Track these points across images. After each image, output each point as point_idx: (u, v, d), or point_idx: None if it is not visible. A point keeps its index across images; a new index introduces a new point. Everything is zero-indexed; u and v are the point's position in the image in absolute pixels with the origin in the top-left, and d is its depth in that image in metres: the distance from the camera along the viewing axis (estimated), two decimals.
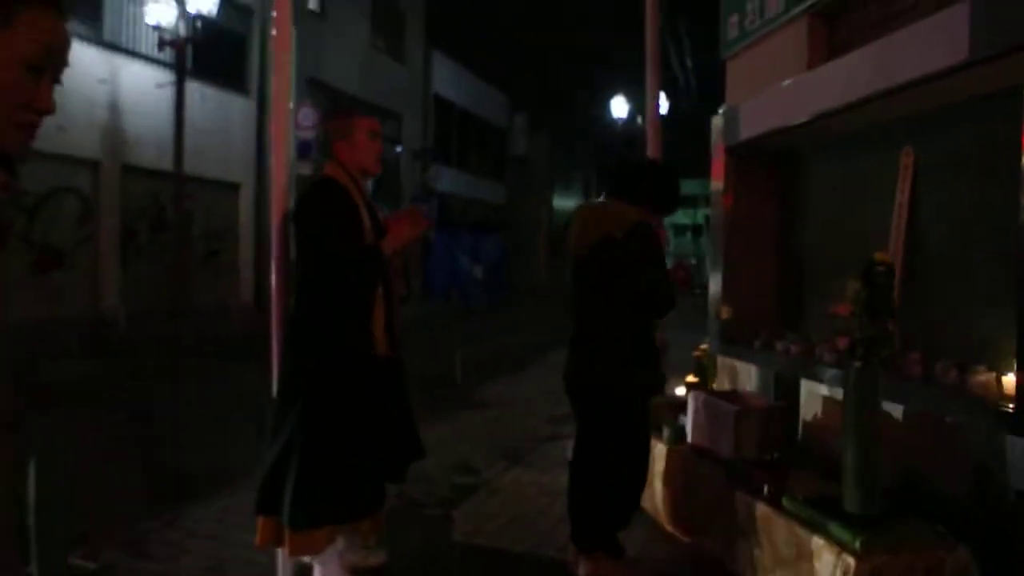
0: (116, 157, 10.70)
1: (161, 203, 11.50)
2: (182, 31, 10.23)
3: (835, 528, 1.83)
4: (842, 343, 1.84)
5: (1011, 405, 2.06)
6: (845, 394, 1.88)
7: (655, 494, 2.85)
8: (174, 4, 10.15)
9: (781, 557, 2.01)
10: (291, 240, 2.45)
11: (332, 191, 2.28)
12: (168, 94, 10.69)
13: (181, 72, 10.44)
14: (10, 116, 0.86)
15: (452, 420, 5.28)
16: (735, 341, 3.64)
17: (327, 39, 14.86)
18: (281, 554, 2.45)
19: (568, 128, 27.07)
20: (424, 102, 19.87)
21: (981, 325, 2.43)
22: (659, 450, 2.94)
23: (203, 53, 11.29)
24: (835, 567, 1.75)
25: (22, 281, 9.08)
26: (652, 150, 3.82)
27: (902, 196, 2.85)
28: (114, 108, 10.50)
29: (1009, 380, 2.17)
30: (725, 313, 3.70)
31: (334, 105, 14.46)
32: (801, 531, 1.93)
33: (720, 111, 7.86)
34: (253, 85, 13.54)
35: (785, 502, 2.07)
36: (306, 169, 13.76)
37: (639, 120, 17.38)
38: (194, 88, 11.19)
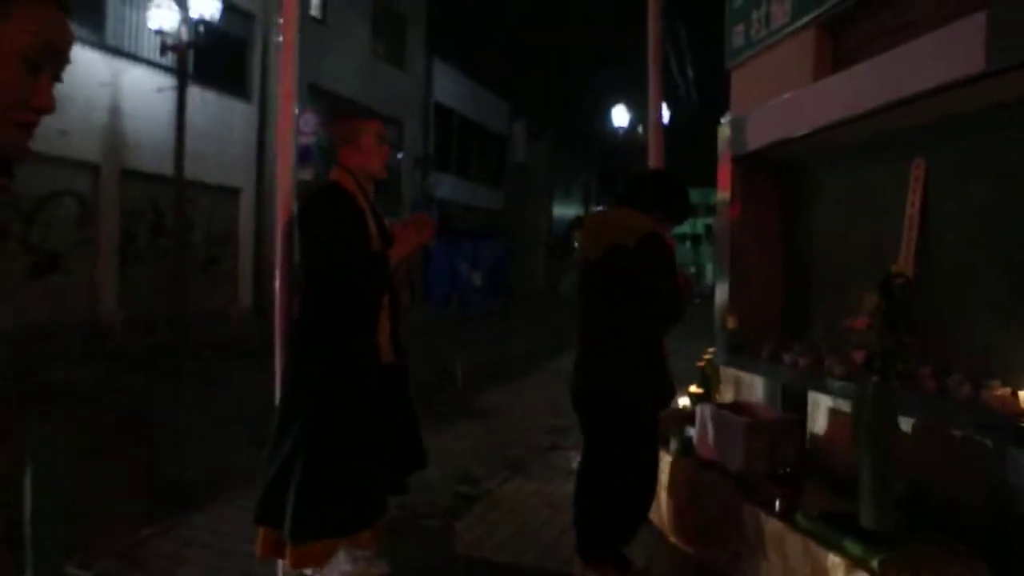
0: (116, 161, 10.68)
1: (160, 208, 11.47)
2: (184, 36, 10.23)
3: (852, 545, 1.79)
4: (859, 356, 1.81)
5: None
6: (861, 408, 1.84)
7: (661, 506, 2.80)
8: (176, 9, 10.16)
9: (794, 573, 1.97)
10: (295, 246, 2.41)
11: (338, 197, 2.25)
12: (169, 99, 10.68)
13: (183, 77, 10.43)
14: (7, 115, 0.82)
15: (452, 429, 5.23)
16: (741, 352, 3.61)
17: (328, 45, 14.88)
18: (281, 565, 2.40)
19: (568, 136, 27.15)
20: (424, 109, 19.91)
21: (994, 339, 2.40)
22: (665, 461, 2.90)
23: (205, 58, 11.30)
24: None
25: (20, 285, 9.03)
26: (654, 159, 3.81)
27: (912, 208, 2.82)
28: (115, 112, 10.48)
29: None
30: (731, 323, 3.67)
31: (335, 111, 14.47)
32: (816, 548, 1.89)
33: (723, 120, 7.86)
34: (254, 90, 13.55)
35: (799, 518, 2.03)
36: (306, 175, 13.75)
37: (640, 129, 17.42)
38: (195, 93, 11.19)
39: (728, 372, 3.91)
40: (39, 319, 8.81)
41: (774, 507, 2.16)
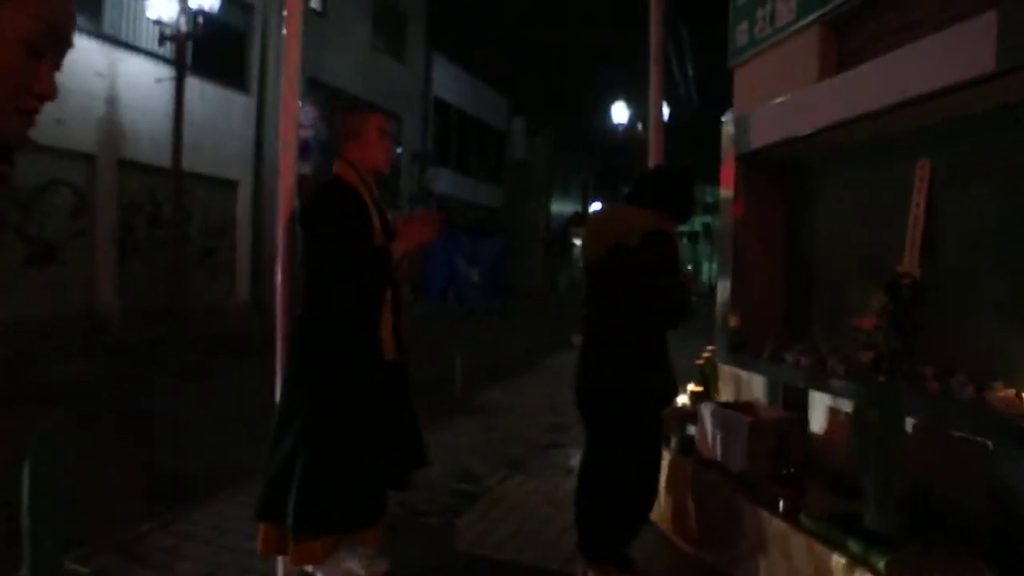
0: (113, 152, 10.62)
1: (158, 199, 11.42)
2: (183, 26, 10.16)
3: (858, 547, 1.78)
4: (866, 357, 1.80)
5: None
6: (867, 408, 1.84)
7: (662, 505, 2.80)
8: None
9: (798, 573, 1.97)
10: (297, 241, 2.39)
11: (342, 191, 2.23)
12: (167, 89, 10.61)
13: (181, 68, 10.36)
14: (9, 100, 0.79)
15: (451, 426, 5.22)
16: (743, 350, 3.60)
17: (328, 38, 14.81)
18: (281, 562, 2.39)
19: (567, 133, 27.12)
20: (424, 104, 19.84)
21: (998, 340, 2.40)
22: (666, 460, 2.89)
23: (203, 49, 11.23)
24: None
25: (16, 276, 8.98)
26: (655, 158, 3.80)
27: (917, 209, 2.81)
28: (112, 102, 10.42)
29: None
30: (733, 322, 3.66)
31: (334, 104, 14.42)
32: (821, 548, 1.89)
33: (724, 119, 7.83)
34: (253, 82, 13.48)
35: (803, 518, 2.02)
36: (305, 169, 13.69)
37: (639, 127, 17.39)
38: (193, 84, 11.12)
39: (728, 371, 3.91)
40: (36, 311, 8.77)
41: (777, 507, 2.16)
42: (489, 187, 24.59)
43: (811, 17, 3.75)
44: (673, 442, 2.93)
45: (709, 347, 4.05)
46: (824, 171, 3.50)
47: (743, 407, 2.81)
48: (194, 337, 9.78)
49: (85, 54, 9.48)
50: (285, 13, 2.41)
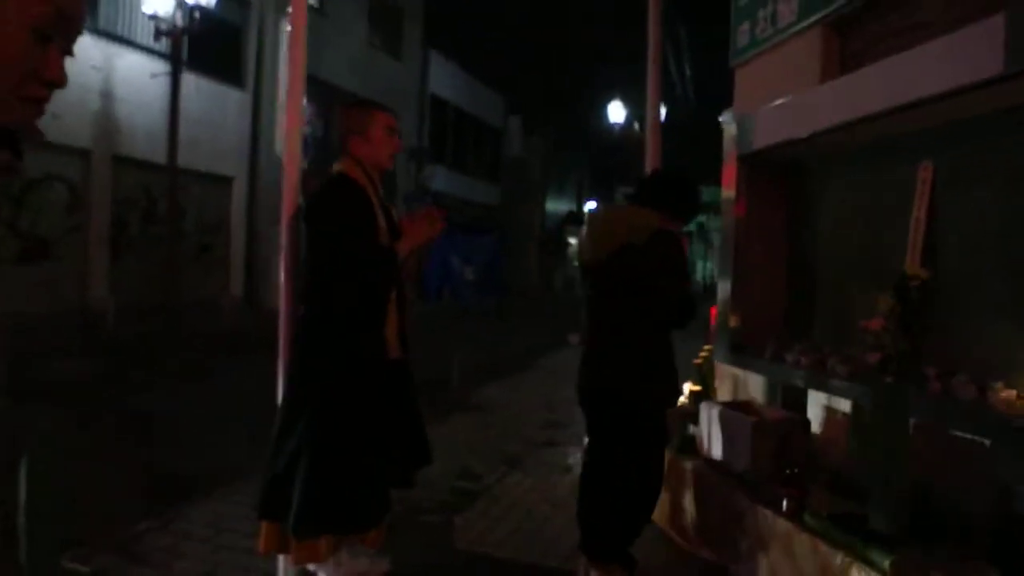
0: (108, 147, 10.54)
1: (153, 195, 11.34)
2: (179, 21, 10.08)
3: (863, 547, 1.79)
4: (873, 358, 1.80)
5: None
6: (873, 409, 1.84)
7: (663, 504, 2.80)
8: None
9: (802, 573, 1.97)
10: (301, 238, 2.37)
11: (348, 189, 2.21)
12: (162, 85, 10.54)
13: (177, 63, 10.29)
14: (16, 88, 0.77)
15: (449, 424, 5.21)
16: (743, 350, 3.61)
17: (325, 35, 14.74)
18: (282, 560, 2.38)
19: (563, 131, 27.11)
20: (420, 101, 19.79)
21: (999, 341, 2.41)
22: (667, 460, 2.89)
23: (199, 44, 11.15)
24: None
25: (8, 272, 8.90)
26: (652, 159, 3.80)
27: (919, 211, 2.82)
28: (107, 97, 10.34)
29: None
30: (733, 322, 3.67)
31: (331, 101, 14.36)
32: (825, 548, 1.89)
33: (721, 118, 7.83)
34: (249, 78, 13.41)
35: (807, 518, 2.03)
36: (300, 166, 13.63)
37: (636, 126, 17.41)
38: (189, 80, 11.05)
39: (726, 370, 3.92)
40: (28, 307, 8.69)
41: (781, 507, 2.16)
42: (485, 185, 24.57)
43: (813, 18, 3.75)
44: (674, 441, 2.93)
45: (706, 346, 4.06)
46: (826, 172, 3.51)
47: (743, 407, 2.81)
48: (189, 334, 9.72)
49: (80, 48, 9.22)
50: (289, 10, 2.39)
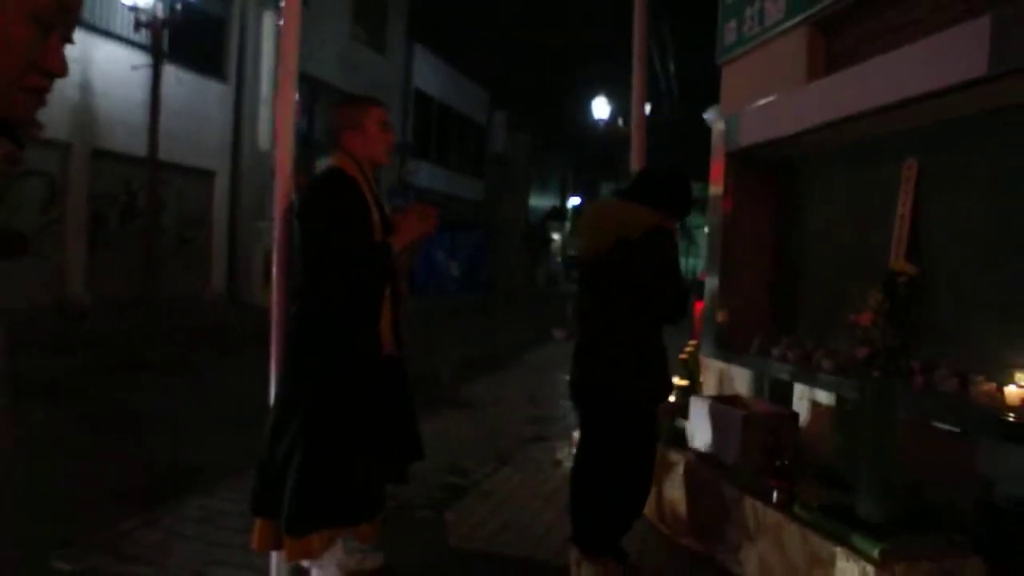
0: (87, 140, 10.35)
1: (133, 189, 11.17)
2: (159, 13, 9.92)
3: (853, 536, 1.83)
4: (862, 353, 1.85)
5: (1012, 415, 2.10)
6: (862, 403, 1.88)
7: (653, 497, 2.83)
8: None
9: (792, 563, 2.01)
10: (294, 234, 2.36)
11: (342, 184, 2.20)
12: (143, 77, 10.36)
13: (157, 55, 10.13)
14: (18, 79, 0.76)
15: (437, 420, 5.21)
16: (730, 345, 3.66)
17: (308, 29, 14.57)
18: (275, 556, 2.37)
19: (548, 127, 27.16)
20: (404, 96, 19.68)
21: (979, 336, 2.47)
22: (657, 453, 2.92)
23: (180, 36, 10.98)
24: (853, 575, 1.75)
25: None
26: (637, 152, 3.82)
27: (904, 208, 2.88)
28: (86, 89, 10.14)
29: (1010, 390, 2.21)
30: (721, 317, 3.72)
31: (314, 95, 14.23)
32: (814, 538, 1.93)
33: (706, 115, 7.86)
34: (231, 71, 13.23)
35: (797, 509, 2.07)
36: None
37: (620, 122, 17.47)
38: (170, 72, 10.88)
39: (712, 364, 3.97)
40: (5, 303, 8.52)
41: (770, 499, 2.20)
42: (469, 180, 24.51)
43: (799, 17, 3.81)
44: (664, 435, 2.97)
45: (691, 341, 4.11)
46: (813, 170, 3.56)
47: (732, 401, 2.85)
48: (170, 329, 9.60)
49: None
50: (282, 4, 2.38)
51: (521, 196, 28.27)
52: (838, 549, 1.84)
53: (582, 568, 2.47)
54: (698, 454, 2.72)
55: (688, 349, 3.99)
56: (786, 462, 2.19)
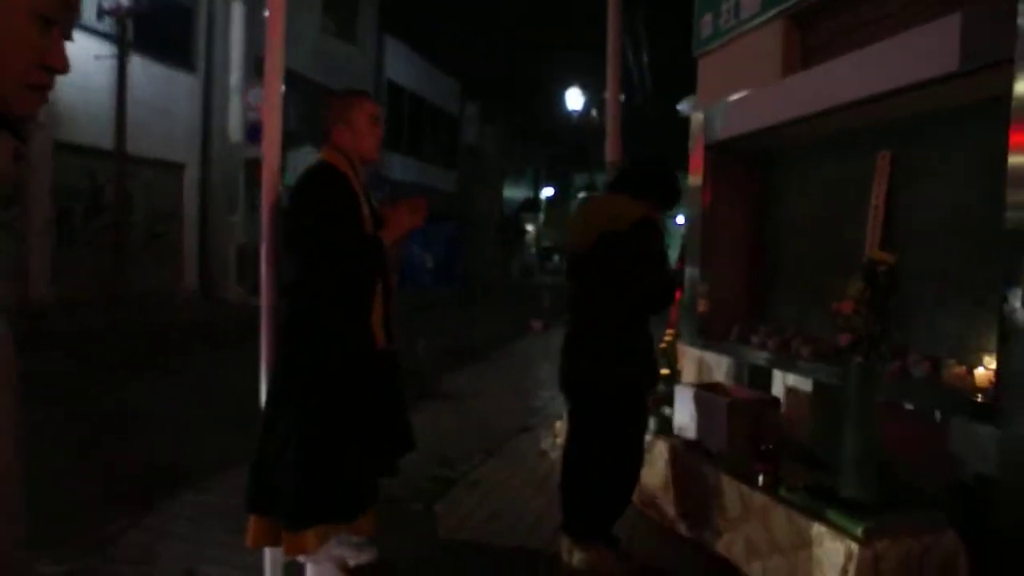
0: (48, 133, 10.03)
1: (98, 183, 10.87)
2: (124, 0, 9.65)
3: (837, 515, 1.91)
4: (844, 340, 1.92)
5: (980, 396, 2.21)
6: (844, 388, 1.96)
7: (642, 485, 2.89)
8: None
9: (778, 543, 2.09)
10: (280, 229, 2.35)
11: (331, 177, 2.19)
12: (107, 67, 10.07)
13: (123, 44, 9.85)
14: (23, 75, 0.75)
15: (421, 412, 5.20)
16: (710, 334, 3.74)
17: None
18: (269, 553, 2.37)
19: (521, 118, 27.13)
20: (376, 87, 19.45)
21: (954, 322, 2.58)
22: (646, 442, 2.98)
23: (146, 25, 10.69)
24: (838, 553, 1.83)
25: None
26: (612, 144, 3.85)
27: (877, 198, 2.97)
28: None
29: (979, 373, 2.32)
30: (701, 306, 3.79)
31: (289, 87, 13.93)
32: (800, 519, 2.01)
33: (680, 106, 7.91)
34: (199, 61, 12.93)
35: (783, 491, 2.14)
36: (254, 152, 13.25)
37: (594, 113, 17.54)
38: (136, 62, 10.60)
39: (692, 353, 4.05)
40: None
41: (757, 482, 2.28)
42: (442, 172, 24.38)
43: (774, 11, 3.88)
44: (651, 424, 3.03)
45: (669, 331, 4.19)
46: (790, 161, 3.65)
47: (715, 388, 2.93)
48: (140, 327, 9.41)
49: None
50: None
51: (495, 188, 28.24)
52: (824, 529, 1.92)
53: (574, 555, 2.52)
54: (684, 441, 2.79)
55: (667, 338, 4.06)
56: (771, 446, 2.27)
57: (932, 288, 2.67)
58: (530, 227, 33.67)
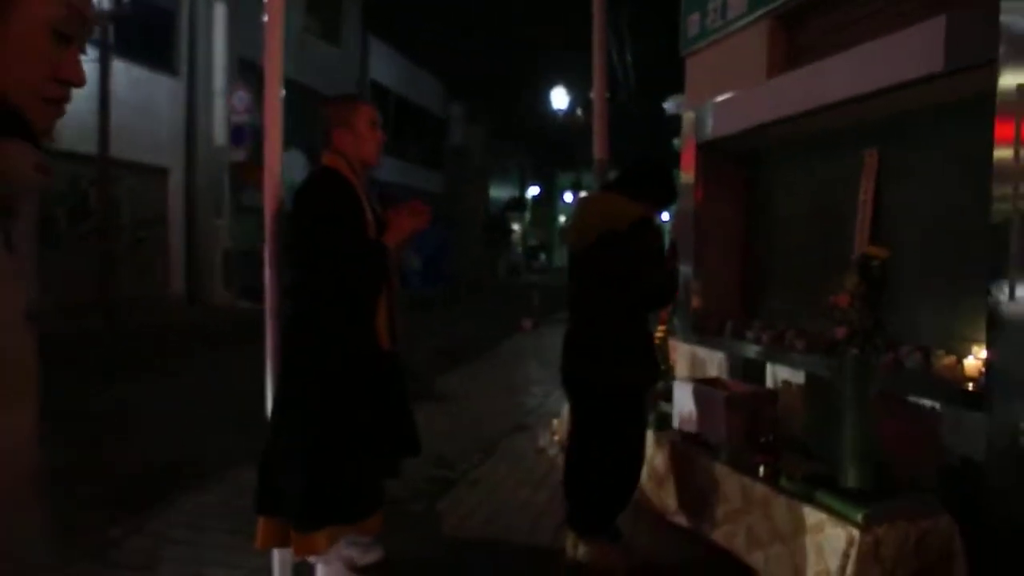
0: None
1: (82, 188, 10.74)
2: (105, 4, 9.54)
3: (837, 503, 1.97)
4: (840, 333, 1.98)
5: (970, 385, 2.29)
6: (843, 380, 2.02)
7: (644, 479, 2.94)
8: None
9: (779, 532, 2.14)
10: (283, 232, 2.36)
11: (334, 182, 2.21)
12: (89, 71, 9.87)
13: (104, 48, 9.75)
14: (40, 89, 0.78)
15: (417, 412, 5.21)
16: (704, 329, 3.81)
17: (261, 20, 14.20)
18: (277, 554, 2.38)
19: (506, 118, 27.18)
20: (361, 88, 19.38)
21: (942, 314, 2.66)
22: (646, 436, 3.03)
23: (128, 29, 10.58)
24: (839, 539, 1.88)
25: None
26: (599, 143, 3.89)
27: (865, 195, 3.05)
28: None
29: (968, 363, 2.40)
30: (695, 302, 3.86)
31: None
32: (801, 507, 2.07)
33: (665, 104, 7.96)
34: (182, 65, 12.82)
35: (783, 481, 2.20)
36: (238, 156, 13.17)
37: (579, 112, 17.62)
38: (118, 66, 10.49)
39: (686, 349, 4.11)
40: None
41: (757, 473, 2.33)
42: (428, 173, 24.35)
43: (761, 11, 3.95)
44: (651, 418, 3.08)
45: (660, 327, 4.25)
46: (779, 159, 3.72)
47: (712, 383, 2.98)
48: (126, 332, 9.32)
49: None
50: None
51: (481, 187, 28.24)
52: (824, 516, 1.98)
53: (578, 549, 2.56)
54: (684, 435, 2.85)
55: (658, 335, 4.12)
56: (770, 438, 2.32)
57: (920, 281, 2.75)
58: (516, 226, 33.73)
